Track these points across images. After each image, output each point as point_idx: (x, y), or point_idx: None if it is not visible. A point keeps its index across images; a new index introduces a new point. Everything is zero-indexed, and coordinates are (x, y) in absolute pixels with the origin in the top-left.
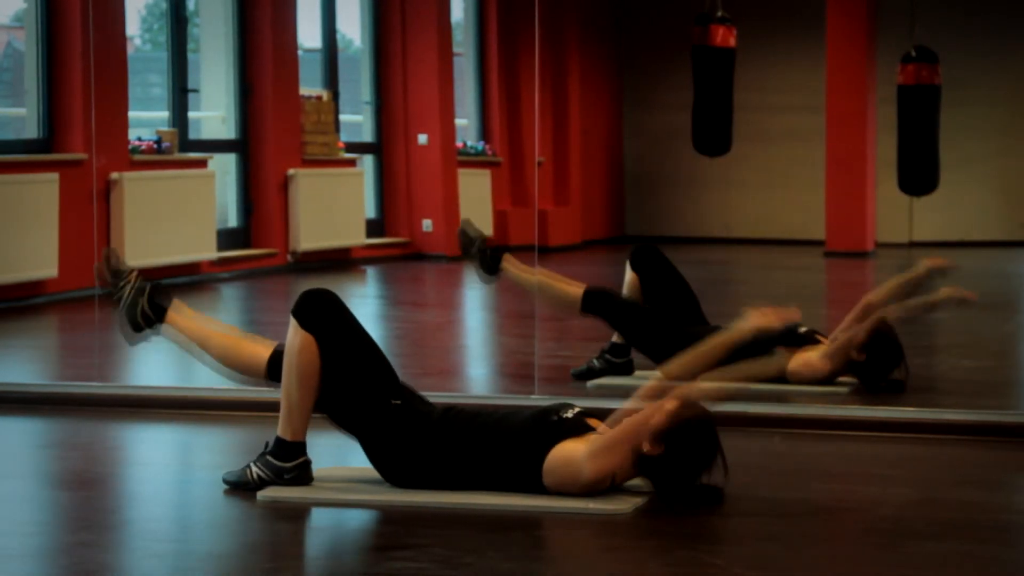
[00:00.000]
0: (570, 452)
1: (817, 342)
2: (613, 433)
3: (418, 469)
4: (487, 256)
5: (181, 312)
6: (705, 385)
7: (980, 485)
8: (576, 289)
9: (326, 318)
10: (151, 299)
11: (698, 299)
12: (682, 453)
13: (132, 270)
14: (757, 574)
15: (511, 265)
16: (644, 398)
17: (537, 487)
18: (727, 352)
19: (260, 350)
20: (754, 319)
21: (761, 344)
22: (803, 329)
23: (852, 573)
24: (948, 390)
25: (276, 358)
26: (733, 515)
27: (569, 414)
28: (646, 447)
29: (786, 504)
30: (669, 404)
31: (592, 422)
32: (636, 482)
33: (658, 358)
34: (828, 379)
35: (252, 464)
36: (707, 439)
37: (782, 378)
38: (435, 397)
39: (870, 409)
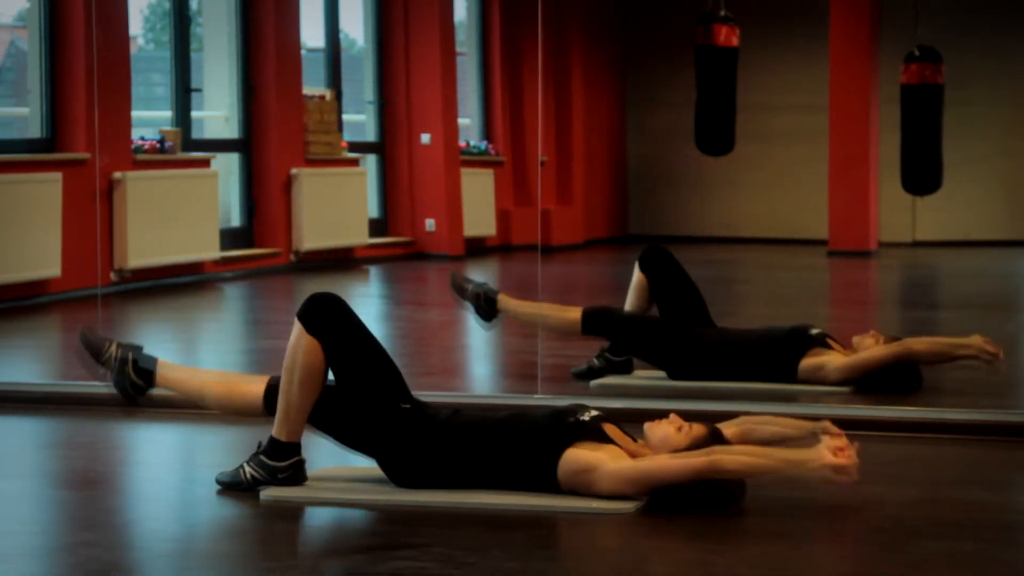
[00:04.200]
0: (588, 460)
1: (828, 347)
2: (652, 468)
3: (431, 471)
4: (482, 302)
5: (170, 370)
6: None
7: (983, 485)
8: (574, 313)
9: (333, 323)
10: (135, 367)
11: (705, 301)
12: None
13: (109, 342)
14: (760, 573)
15: (507, 304)
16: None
17: (551, 486)
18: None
19: (253, 389)
20: (826, 457)
21: (775, 351)
22: (815, 331)
23: (855, 572)
24: (951, 390)
25: (271, 393)
26: (735, 514)
27: (586, 417)
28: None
29: (788, 503)
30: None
31: (609, 429)
32: None
33: (664, 365)
34: (840, 381)
35: (245, 464)
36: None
37: (790, 376)
38: (438, 397)
39: (871, 409)
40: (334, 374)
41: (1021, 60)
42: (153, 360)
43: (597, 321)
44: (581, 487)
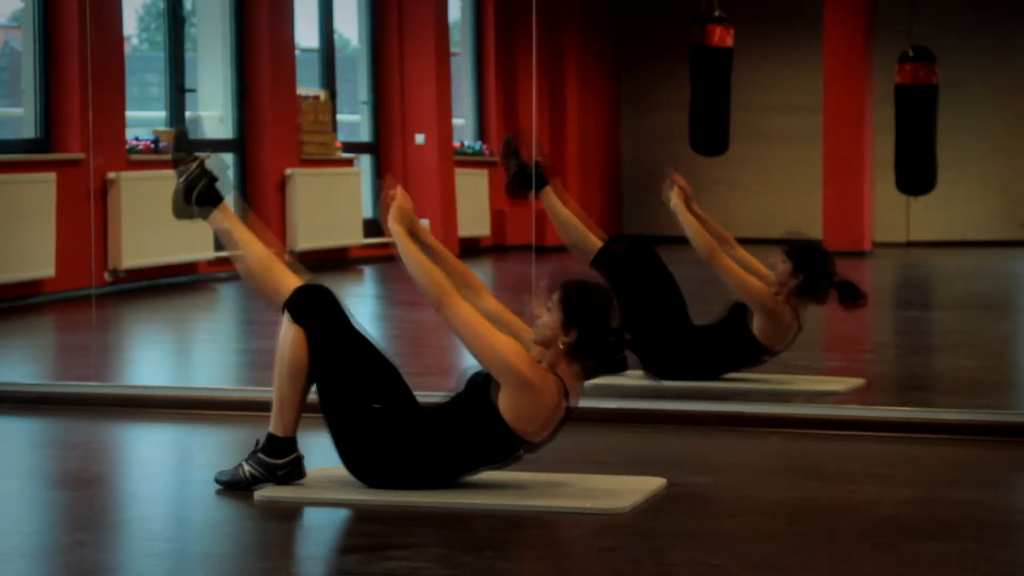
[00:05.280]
0: (511, 390)
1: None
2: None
3: (395, 472)
4: (521, 176)
5: (231, 214)
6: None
7: (978, 485)
8: (597, 241)
9: (318, 313)
10: (212, 184)
11: (685, 302)
12: (590, 321)
13: (203, 158)
14: (755, 574)
15: (550, 197)
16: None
17: (510, 439)
18: None
19: (289, 280)
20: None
21: (730, 330)
22: (737, 298)
23: (850, 573)
24: (946, 390)
25: (297, 295)
26: (731, 515)
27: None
28: (562, 342)
29: (784, 504)
30: (551, 300)
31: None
32: (636, 480)
33: (639, 351)
34: (796, 318)
35: (244, 463)
36: (596, 295)
37: (767, 349)
38: (433, 397)
39: (868, 409)
40: (312, 365)
41: (1015, 60)
42: (221, 198)
43: (610, 259)
44: (525, 406)
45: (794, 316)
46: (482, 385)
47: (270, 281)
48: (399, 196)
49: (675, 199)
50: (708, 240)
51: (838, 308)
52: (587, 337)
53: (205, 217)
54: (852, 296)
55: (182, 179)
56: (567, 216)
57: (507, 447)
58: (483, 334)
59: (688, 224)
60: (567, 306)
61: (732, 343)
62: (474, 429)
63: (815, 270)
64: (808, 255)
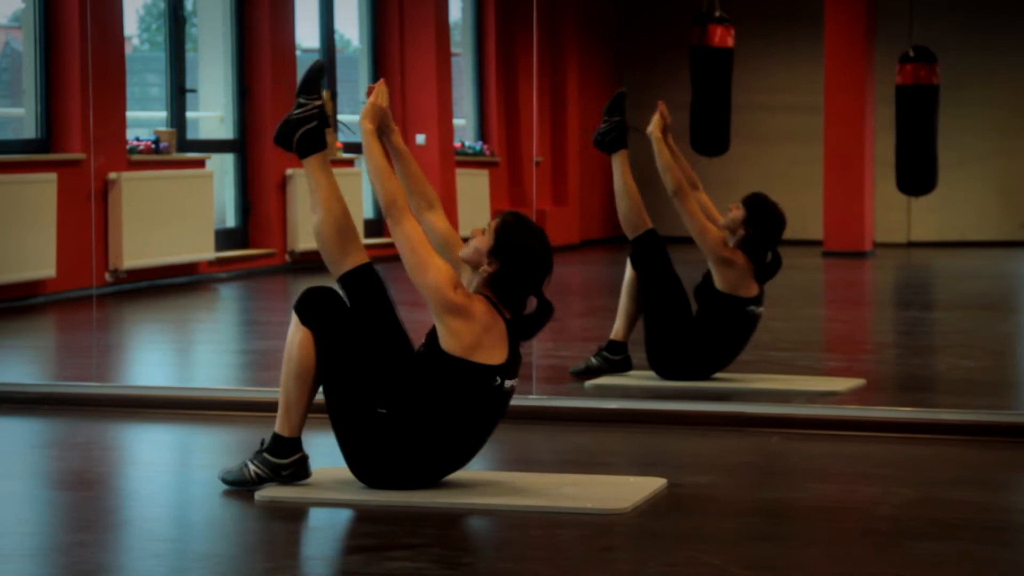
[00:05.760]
0: (443, 317)
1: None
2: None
3: (399, 474)
4: (620, 133)
5: (328, 167)
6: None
7: (978, 485)
8: (648, 222)
9: (326, 315)
10: (319, 130)
11: (690, 302)
12: (515, 257)
13: (331, 99)
14: (755, 574)
15: (625, 159)
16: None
17: (474, 373)
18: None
19: (355, 255)
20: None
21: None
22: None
23: (850, 573)
24: (946, 390)
25: (358, 272)
26: (731, 515)
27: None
28: (484, 269)
29: (784, 504)
30: (489, 224)
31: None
32: (636, 481)
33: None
34: (746, 260)
35: (249, 462)
36: (532, 234)
37: (742, 299)
38: None
39: (868, 409)
40: (320, 365)
41: (1017, 60)
42: (323, 146)
43: (650, 244)
44: (469, 339)
45: (746, 259)
46: (431, 334)
47: (336, 249)
48: (376, 93)
49: (653, 127)
50: (679, 177)
51: (839, 307)
52: (508, 271)
53: (301, 157)
54: (767, 274)
55: (297, 111)
56: (631, 186)
57: (478, 382)
58: (420, 253)
59: (661, 154)
60: (499, 235)
61: (715, 312)
62: (439, 380)
63: (766, 231)
64: (765, 214)
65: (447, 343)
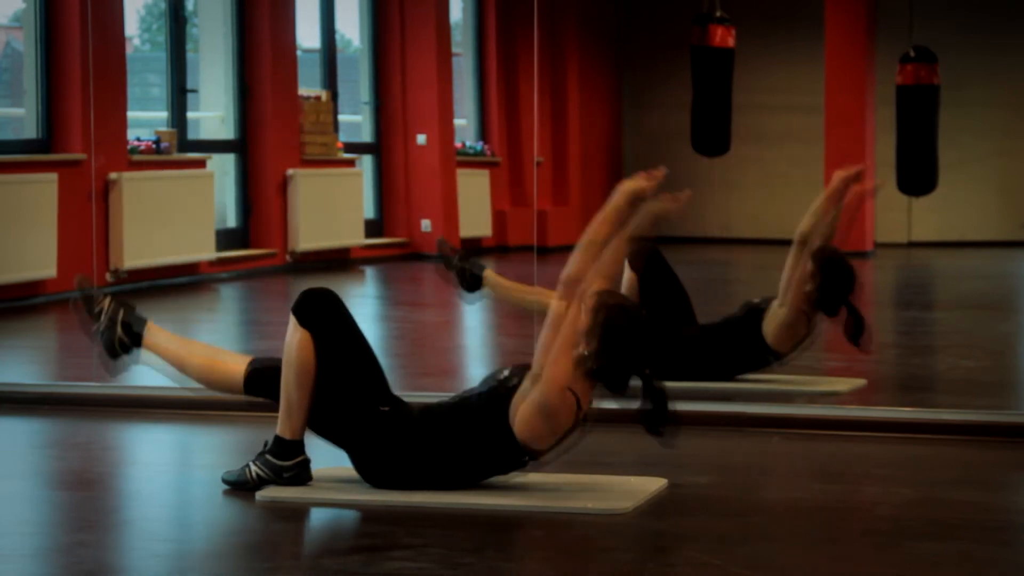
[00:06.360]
0: (526, 402)
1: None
2: (548, 356)
3: (403, 474)
4: (466, 276)
5: (156, 335)
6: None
7: (979, 485)
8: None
9: (324, 317)
10: (125, 326)
11: (691, 302)
12: (616, 341)
13: (106, 296)
14: (755, 574)
15: (494, 281)
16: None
17: (518, 453)
18: (611, 229)
19: (235, 368)
20: (626, 186)
21: (740, 332)
22: (757, 300)
23: (851, 573)
24: (946, 390)
25: (252, 375)
26: (731, 515)
27: (515, 381)
28: (582, 348)
29: (784, 504)
30: (587, 299)
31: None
32: (637, 481)
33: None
34: (808, 327)
35: (251, 463)
36: (633, 322)
37: (774, 352)
38: (434, 397)
39: (869, 409)
40: (319, 368)
41: (1017, 60)
42: (143, 322)
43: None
44: (539, 424)
45: (806, 323)
46: (502, 398)
47: (219, 377)
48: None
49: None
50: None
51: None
52: (603, 357)
53: (137, 360)
54: (856, 334)
55: (96, 335)
56: (519, 293)
57: (513, 459)
58: (571, 340)
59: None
60: (600, 321)
61: (740, 344)
62: (483, 440)
63: (835, 286)
64: (835, 268)
65: (520, 423)
